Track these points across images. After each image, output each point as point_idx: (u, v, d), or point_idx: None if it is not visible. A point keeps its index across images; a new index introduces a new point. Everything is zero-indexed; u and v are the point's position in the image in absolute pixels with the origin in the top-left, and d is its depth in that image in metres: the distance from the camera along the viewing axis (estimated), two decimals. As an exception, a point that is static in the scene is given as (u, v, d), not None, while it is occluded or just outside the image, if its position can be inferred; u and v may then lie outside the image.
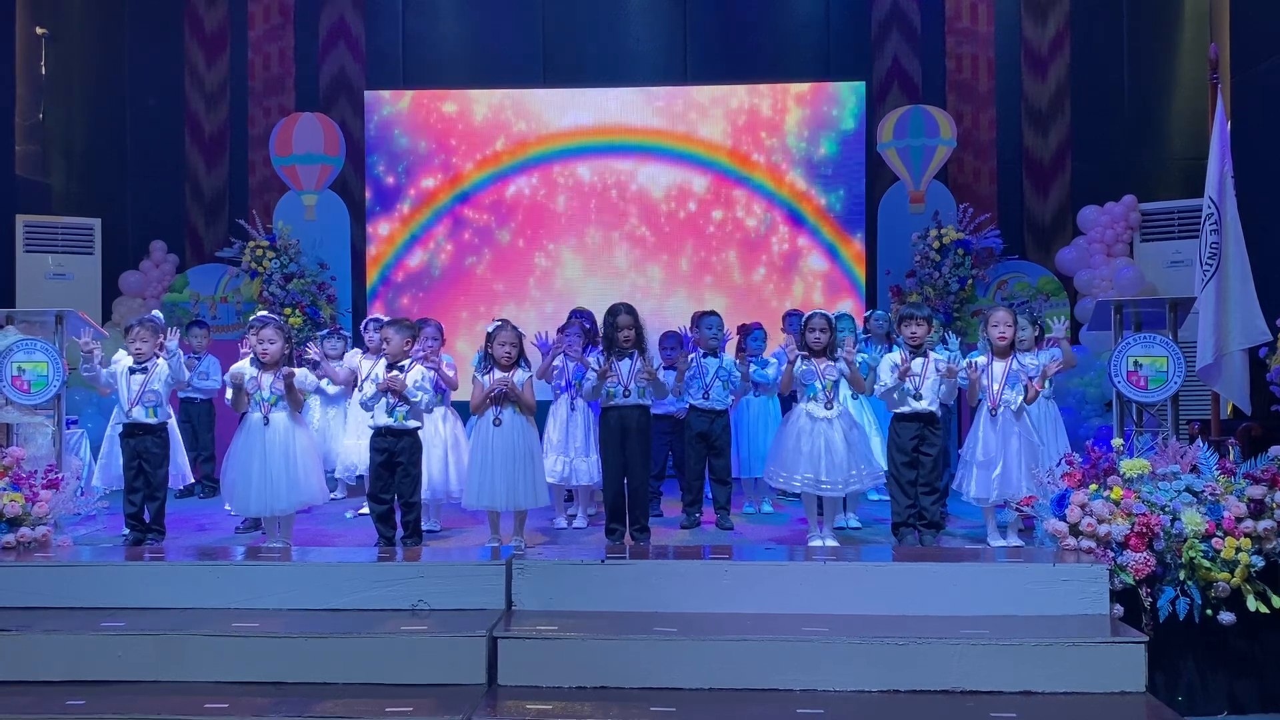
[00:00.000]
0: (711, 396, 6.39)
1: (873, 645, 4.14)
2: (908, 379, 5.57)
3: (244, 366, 5.61)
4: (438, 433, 6.30)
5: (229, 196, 10.54)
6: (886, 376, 5.64)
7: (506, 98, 10.22)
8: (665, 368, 6.07)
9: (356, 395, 6.16)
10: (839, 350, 5.66)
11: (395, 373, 5.52)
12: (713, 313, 6.67)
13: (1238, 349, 5.67)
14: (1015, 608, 4.44)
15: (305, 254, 9.57)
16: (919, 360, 5.64)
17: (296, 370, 5.59)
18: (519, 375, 5.61)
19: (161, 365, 5.79)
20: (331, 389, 7.12)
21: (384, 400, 5.52)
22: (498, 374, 5.59)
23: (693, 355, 6.44)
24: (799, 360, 5.68)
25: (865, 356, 6.50)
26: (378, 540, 5.60)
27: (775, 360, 6.93)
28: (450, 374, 6.15)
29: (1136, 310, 5.87)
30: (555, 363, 6.33)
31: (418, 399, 5.50)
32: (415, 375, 5.57)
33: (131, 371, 5.77)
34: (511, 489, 5.52)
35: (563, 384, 6.43)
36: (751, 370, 6.67)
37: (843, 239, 10.03)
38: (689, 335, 6.44)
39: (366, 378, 5.74)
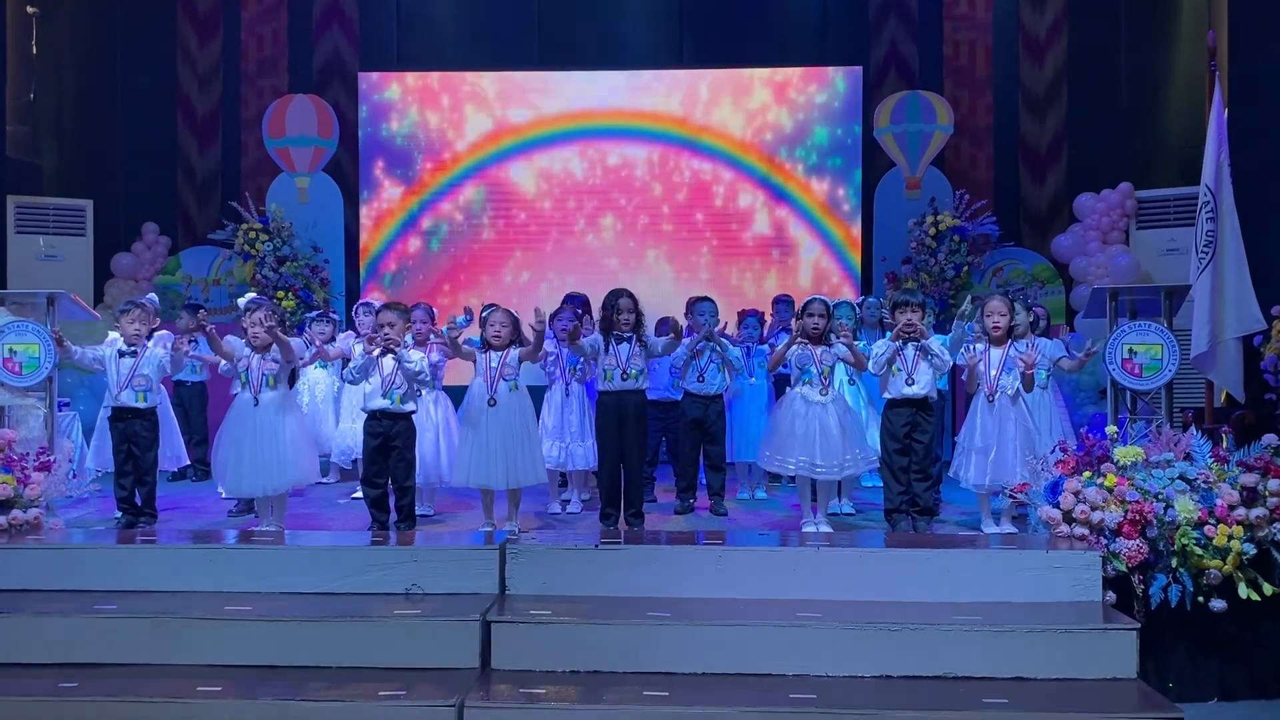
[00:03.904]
0: (706, 379, 6.38)
1: (866, 631, 4.14)
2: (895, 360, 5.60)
3: (241, 345, 5.60)
4: (429, 416, 6.28)
5: (221, 179, 10.49)
6: (878, 361, 5.66)
7: (501, 81, 10.17)
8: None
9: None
10: (835, 335, 5.66)
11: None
12: (707, 298, 6.66)
13: (1232, 337, 5.69)
14: (1008, 594, 4.45)
15: (298, 237, 9.54)
16: (912, 345, 5.63)
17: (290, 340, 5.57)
18: (512, 354, 5.60)
19: (151, 349, 5.76)
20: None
21: (379, 380, 5.50)
22: (493, 355, 5.59)
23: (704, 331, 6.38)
24: (795, 345, 5.68)
25: (861, 344, 6.49)
26: (371, 524, 5.59)
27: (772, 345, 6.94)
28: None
29: (1132, 298, 5.87)
30: (548, 347, 6.33)
31: (415, 364, 5.51)
32: (414, 358, 5.57)
33: (121, 355, 5.73)
34: (509, 467, 5.53)
35: (556, 372, 6.42)
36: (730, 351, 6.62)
37: (838, 225, 10.01)
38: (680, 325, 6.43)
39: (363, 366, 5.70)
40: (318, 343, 6.84)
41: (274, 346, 5.52)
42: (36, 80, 10.03)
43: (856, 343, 5.84)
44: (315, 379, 7.33)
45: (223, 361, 5.77)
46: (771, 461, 5.76)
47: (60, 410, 6.16)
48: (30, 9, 9.91)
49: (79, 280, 9.52)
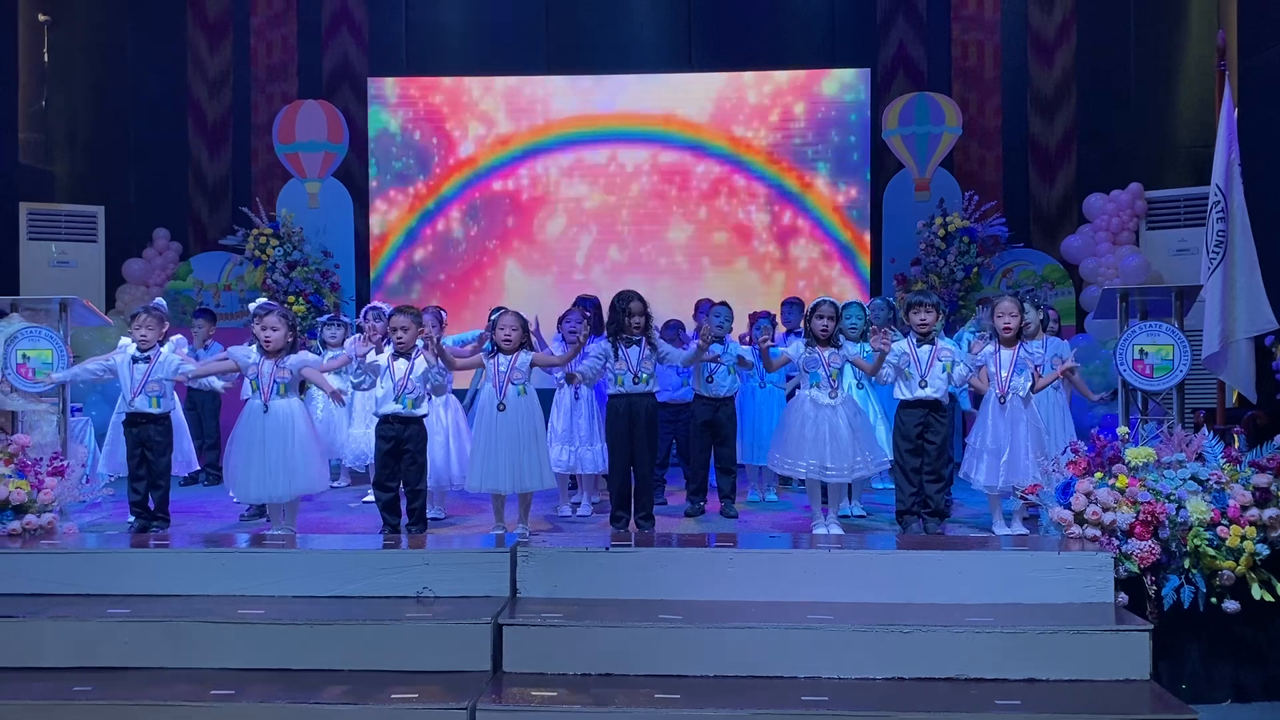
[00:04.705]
0: (715, 380, 6.38)
1: (877, 633, 4.14)
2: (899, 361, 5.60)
3: (249, 353, 5.60)
4: (439, 420, 6.29)
5: (232, 184, 10.53)
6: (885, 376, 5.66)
7: (509, 85, 10.20)
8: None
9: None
10: (874, 340, 5.65)
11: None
12: (723, 303, 6.68)
13: (1244, 337, 5.66)
14: (1020, 596, 4.44)
15: (309, 242, 9.57)
16: (925, 348, 5.63)
17: (295, 356, 5.57)
18: (522, 358, 5.61)
19: (166, 355, 5.79)
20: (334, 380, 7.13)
21: (391, 384, 5.52)
22: (502, 359, 5.60)
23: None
24: (803, 347, 5.69)
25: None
26: (383, 527, 5.61)
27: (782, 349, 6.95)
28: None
29: (1142, 298, 5.86)
30: (555, 350, 6.33)
31: (434, 369, 5.54)
32: (421, 364, 5.58)
33: (134, 360, 5.76)
34: (516, 472, 5.51)
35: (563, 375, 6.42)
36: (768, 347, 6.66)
37: (847, 227, 10.01)
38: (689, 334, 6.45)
39: (367, 364, 5.70)
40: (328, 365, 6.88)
41: (285, 354, 5.52)
42: (48, 87, 10.09)
43: (867, 345, 5.83)
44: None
45: (217, 380, 5.81)
46: (782, 465, 5.74)
47: (73, 415, 6.19)
48: (42, 17, 9.97)
49: (91, 286, 9.57)
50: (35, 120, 9.94)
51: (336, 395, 5.57)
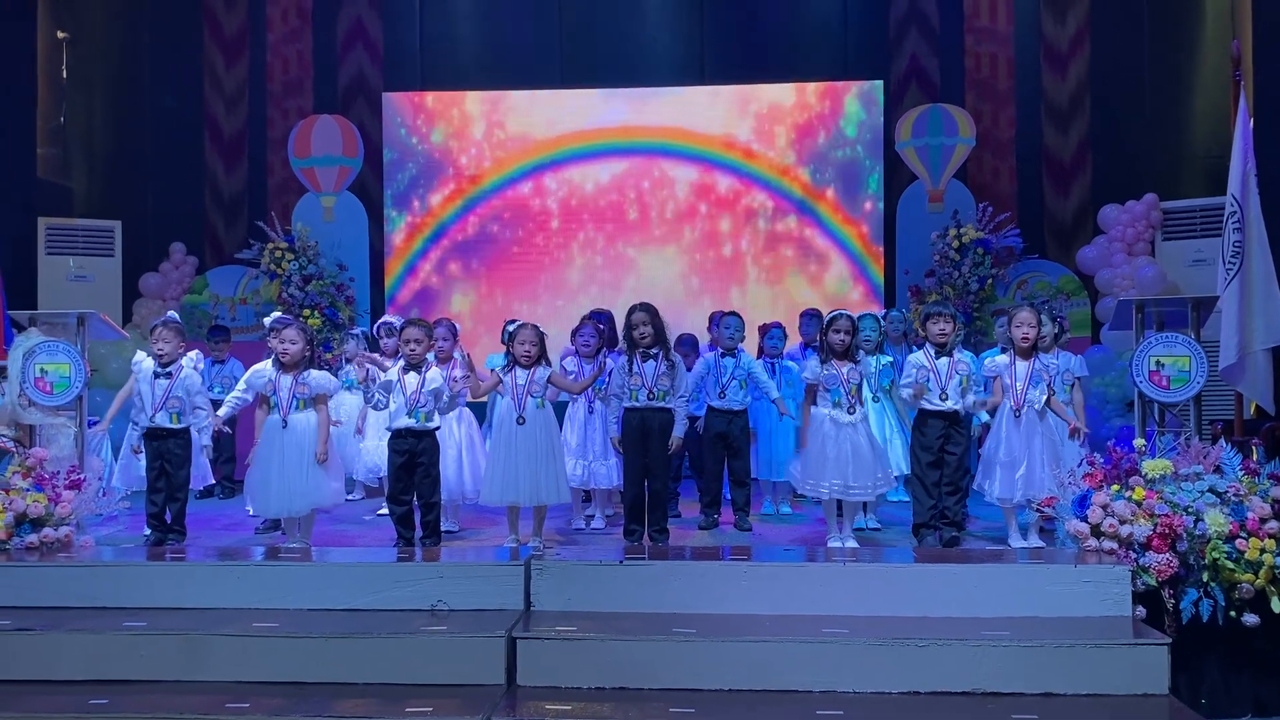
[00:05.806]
0: (727, 396, 6.37)
1: (893, 647, 4.12)
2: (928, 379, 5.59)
3: (265, 368, 5.63)
4: (452, 434, 6.31)
5: (248, 198, 10.59)
6: (913, 376, 5.63)
7: (524, 99, 10.23)
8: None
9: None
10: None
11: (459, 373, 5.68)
12: (733, 313, 6.66)
13: (1261, 348, 5.63)
14: (1036, 609, 4.41)
15: (324, 255, 9.61)
16: (944, 360, 5.61)
17: (314, 373, 5.59)
18: (540, 372, 5.61)
19: (187, 371, 5.84)
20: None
21: (402, 398, 5.53)
22: (520, 372, 5.60)
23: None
24: (819, 363, 5.67)
25: (888, 359, 6.48)
26: (397, 541, 5.62)
27: (794, 363, 6.94)
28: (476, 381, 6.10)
29: (1158, 309, 5.82)
30: (569, 365, 6.34)
31: (439, 387, 5.56)
32: (434, 375, 5.60)
33: (156, 376, 5.81)
34: (535, 484, 5.53)
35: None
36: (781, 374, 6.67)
37: (861, 239, 9.99)
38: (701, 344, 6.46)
39: (380, 383, 5.71)
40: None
41: (303, 367, 5.54)
42: (66, 103, 10.18)
43: (883, 356, 5.83)
44: (339, 400, 7.36)
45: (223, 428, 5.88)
46: (804, 485, 5.67)
47: (90, 428, 6.23)
48: (60, 34, 10.07)
49: (108, 300, 9.62)
50: (53, 136, 10.02)
51: (325, 451, 5.52)
